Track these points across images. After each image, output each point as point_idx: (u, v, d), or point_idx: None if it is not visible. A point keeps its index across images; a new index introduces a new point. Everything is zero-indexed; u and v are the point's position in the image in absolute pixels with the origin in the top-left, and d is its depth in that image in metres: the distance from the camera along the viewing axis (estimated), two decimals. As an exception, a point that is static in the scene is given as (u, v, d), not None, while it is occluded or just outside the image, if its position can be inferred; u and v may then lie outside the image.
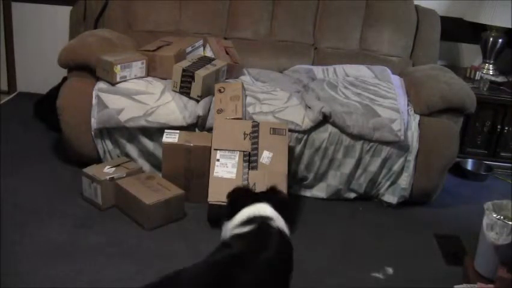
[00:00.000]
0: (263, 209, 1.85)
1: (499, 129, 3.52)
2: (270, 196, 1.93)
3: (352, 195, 3.03)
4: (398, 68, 3.45)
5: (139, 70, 3.01)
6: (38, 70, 4.02)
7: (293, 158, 2.86)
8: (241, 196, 1.94)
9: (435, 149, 2.91)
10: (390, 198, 2.99)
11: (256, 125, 2.77)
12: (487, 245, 2.23)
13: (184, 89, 2.90)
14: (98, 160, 2.98)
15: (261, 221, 1.79)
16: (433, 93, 2.96)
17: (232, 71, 3.17)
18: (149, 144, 2.94)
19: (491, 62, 3.72)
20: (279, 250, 1.73)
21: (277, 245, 1.74)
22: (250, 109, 2.88)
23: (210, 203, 2.56)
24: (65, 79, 3.18)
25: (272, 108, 2.89)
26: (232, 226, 1.82)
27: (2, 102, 3.97)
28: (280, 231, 1.80)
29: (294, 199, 2.85)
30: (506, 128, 3.51)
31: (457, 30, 3.75)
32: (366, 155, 2.89)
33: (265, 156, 2.67)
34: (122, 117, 2.86)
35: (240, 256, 1.67)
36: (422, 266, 2.51)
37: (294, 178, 2.90)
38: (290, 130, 2.82)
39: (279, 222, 1.83)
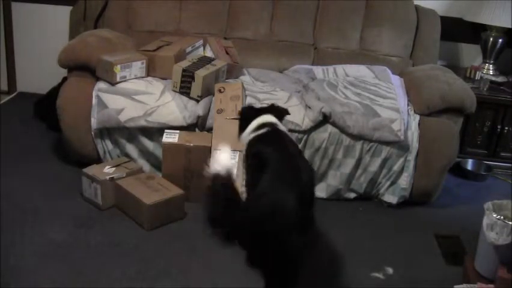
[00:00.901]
0: (268, 118, 2.30)
1: (499, 129, 3.52)
2: (271, 109, 2.39)
3: (352, 195, 3.03)
4: (398, 68, 3.45)
5: (139, 70, 3.01)
6: (38, 70, 4.01)
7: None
8: (250, 111, 2.39)
9: (435, 149, 2.91)
10: (390, 198, 2.99)
11: (256, 125, 2.76)
12: (487, 245, 2.23)
13: (184, 89, 2.90)
14: (98, 160, 2.98)
15: (271, 126, 2.26)
16: (433, 93, 2.96)
17: (232, 71, 3.17)
18: (149, 144, 2.94)
19: (491, 62, 3.72)
20: (293, 144, 2.28)
21: (291, 141, 2.27)
22: (250, 109, 2.88)
23: (210, 203, 2.55)
24: (65, 79, 3.18)
25: (272, 108, 2.88)
26: (248, 132, 2.28)
27: (2, 102, 3.97)
28: (285, 132, 2.30)
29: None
30: (506, 128, 3.51)
31: (457, 30, 3.75)
32: (366, 155, 2.89)
33: (265, 156, 2.66)
34: (122, 117, 2.86)
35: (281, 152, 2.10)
36: (422, 266, 2.51)
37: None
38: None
39: (282, 126, 2.31)
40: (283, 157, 2.07)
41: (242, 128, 2.36)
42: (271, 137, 2.23)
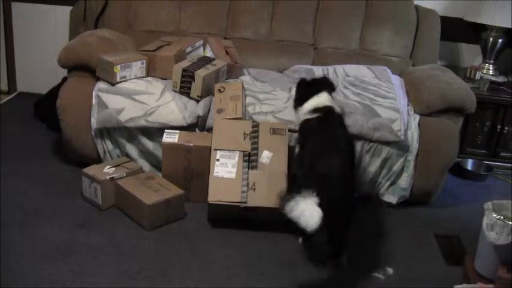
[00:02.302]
0: (324, 99, 2.58)
1: (499, 129, 3.52)
2: (324, 82, 2.69)
3: (352, 195, 3.02)
4: (398, 68, 3.45)
5: (139, 70, 3.01)
6: (38, 70, 4.02)
7: (293, 158, 2.85)
8: (307, 88, 2.66)
9: (436, 149, 2.91)
10: (390, 198, 2.99)
11: (256, 125, 2.77)
12: (487, 245, 2.23)
13: (184, 89, 2.90)
14: (98, 160, 2.98)
15: (325, 110, 2.54)
16: (433, 93, 2.96)
17: (232, 71, 3.16)
18: (149, 144, 2.94)
19: (491, 62, 3.72)
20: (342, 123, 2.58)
21: (341, 121, 2.58)
22: (250, 109, 2.88)
23: (210, 202, 2.56)
24: (65, 79, 3.18)
25: (272, 108, 2.89)
26: (304, 113, 2.57)
27: (2, 102, 3.97)
28: (340, 115, 2.59)
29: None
30: (506, 128, 3.51)
31: (457, 30, 3.75)
32: (366, 155, 2.89)
33: (265, 156, 2.67)
34: (122, 117, 2.86)
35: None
36: (422, 266, 2.51)
37: (294, 178, 2.90)
38: (290, 130, 2.82)
39: (336, 108, 2.59)
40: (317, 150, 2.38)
41: (298, 103, 2.63)
42: (320, 125, 2.50)
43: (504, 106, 3.48)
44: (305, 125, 2.56)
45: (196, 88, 2.87)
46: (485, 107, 3.44)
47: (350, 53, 3.54)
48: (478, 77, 3.64)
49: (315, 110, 2.55)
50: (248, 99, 2.92)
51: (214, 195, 2.56)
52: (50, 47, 3.54)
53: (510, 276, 2.13)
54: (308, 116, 2.55)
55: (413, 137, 2.90)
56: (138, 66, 3.00)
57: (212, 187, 2.59)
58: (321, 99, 2.58)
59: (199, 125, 2.91)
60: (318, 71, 3.34)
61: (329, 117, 2.54)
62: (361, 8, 3.54)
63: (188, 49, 3.22)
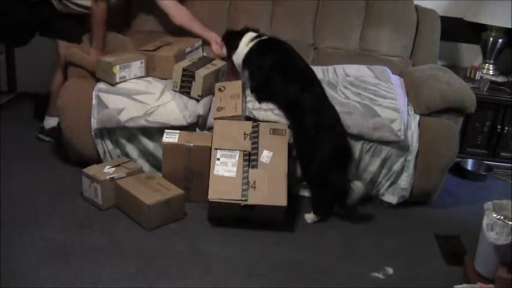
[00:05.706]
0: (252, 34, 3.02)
1: (499, 129, 3.52)
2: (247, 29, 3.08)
3: (352, 195, 3.02)
4: (398, 68, 3.44)
5: (138, 70, 3.01)
6: (38, 70, 4.01)
7: (293, 158, 2.86)
8: (233, 33, 3.12)
9: (435, 149, 2.91)
10: (390, 198, 2.99)
11: (256, 126, 2.77)
12: (487, 245, 2.23)
13: (185, 88, 2.90)
14: (98, 160, 2.98)
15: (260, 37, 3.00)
16: (433, 93, 2.96)
17: (233, 74, 3.16)
18: (149, 144, 2.94)
19: (491, 62, 3.72)
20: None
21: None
22: (250, 105, 2.88)
23: (210, 200, 2.56)
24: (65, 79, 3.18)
25: (271, 105, 2.88)
26: (243, 45, 2.97)
27: (2, 102, 3.97)
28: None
29: (294, 199, 2.85)
30: (506, 128, 3.52)
31: (457, 30, 3.75)
32: (366, 155, 2.89)
33: (266, 156, 2.67)
34: (122, 117, 2.86)
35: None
36: (422, 266, 2.51)
37: (294, 178, 2.90)
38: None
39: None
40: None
41: (232, 47, 3.01)
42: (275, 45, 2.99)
43: (504, 106, 3.48)
44: (250, 52, 2.92)
45: (196, 88, 2.87)
46: (485, 107, 3.44)
47: (350, 53, 3.54)
48: (478, 77, 3.64)
49: (253, 39, 2.95)
50: (248, 99, 2.92)
51: (215, 194, 2.56)
52: (50, 47, 3.53)
53: (510, 276, 2.13)
54: (251, 44, 2.93)
55: (413, 137, 2.90)
56: (137, 66, 3.00)
57: (212, 185, 2.59)
58: (251, 34, 3.00)
59: (200, 124, 2.92)
60: (318, 71, 3.34)
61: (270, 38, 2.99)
62: (361, 8, 3.54)
63: (188, 49, 3.22)
